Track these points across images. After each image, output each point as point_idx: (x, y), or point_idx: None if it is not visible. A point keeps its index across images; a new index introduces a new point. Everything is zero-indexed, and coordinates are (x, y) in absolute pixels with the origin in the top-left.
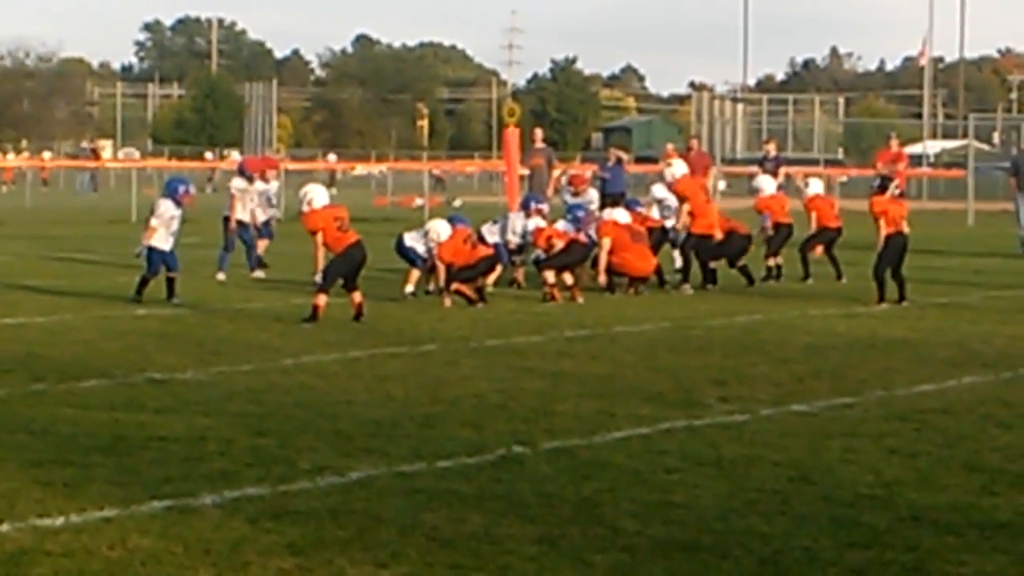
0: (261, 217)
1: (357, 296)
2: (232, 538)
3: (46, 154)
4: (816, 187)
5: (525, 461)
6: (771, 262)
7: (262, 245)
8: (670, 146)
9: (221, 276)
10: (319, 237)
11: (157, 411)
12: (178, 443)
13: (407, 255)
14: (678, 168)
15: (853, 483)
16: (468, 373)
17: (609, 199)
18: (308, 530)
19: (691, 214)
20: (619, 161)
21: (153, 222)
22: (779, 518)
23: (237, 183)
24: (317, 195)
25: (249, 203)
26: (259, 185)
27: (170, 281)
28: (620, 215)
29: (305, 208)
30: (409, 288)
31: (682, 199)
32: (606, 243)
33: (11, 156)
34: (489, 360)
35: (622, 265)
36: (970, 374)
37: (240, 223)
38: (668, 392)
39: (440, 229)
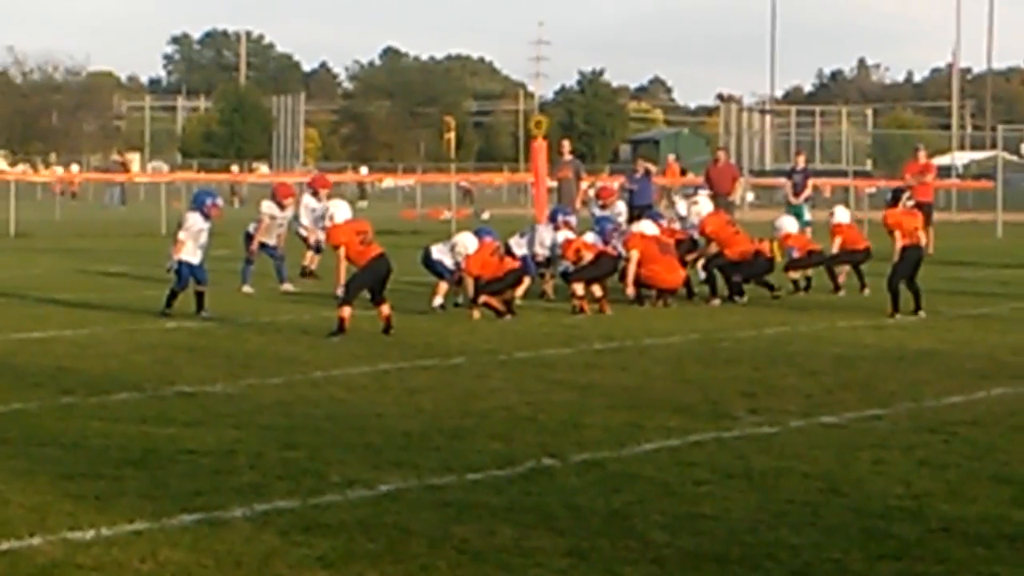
0: (319, 236)
1: (385, 309)
2: (262, 551)
3: (73, 167)
4: (842, 215)
5: (555, 473)
6: (794, 275)
7: (316, 258)
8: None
9: (247, 289)
10: (342, 251)
11: (187, 424)
12: (208, 456)
13: (435, 268)
14: (704, 207)
15: (883, 495)
16: (497, 386)
17: (637, 211)
18: (338, 543)
19: (720, 250)
20: (647, 173)
21: (181, 235)
22: (809, 530)
23: (268, 208)
24: (339, 210)
25: (276, 228)
26: (311, 202)
27: (199, 295)
28: (648, 227)
29: (327, 223)
30: (438, 300)
31: (709, 240)
32: (634, 255)
33: (59, 169)
34: (518, 372)
35: (650, 278)
36: (999, 385)
37: (263, 245)
38: (697, 404)
39: (467, 242)
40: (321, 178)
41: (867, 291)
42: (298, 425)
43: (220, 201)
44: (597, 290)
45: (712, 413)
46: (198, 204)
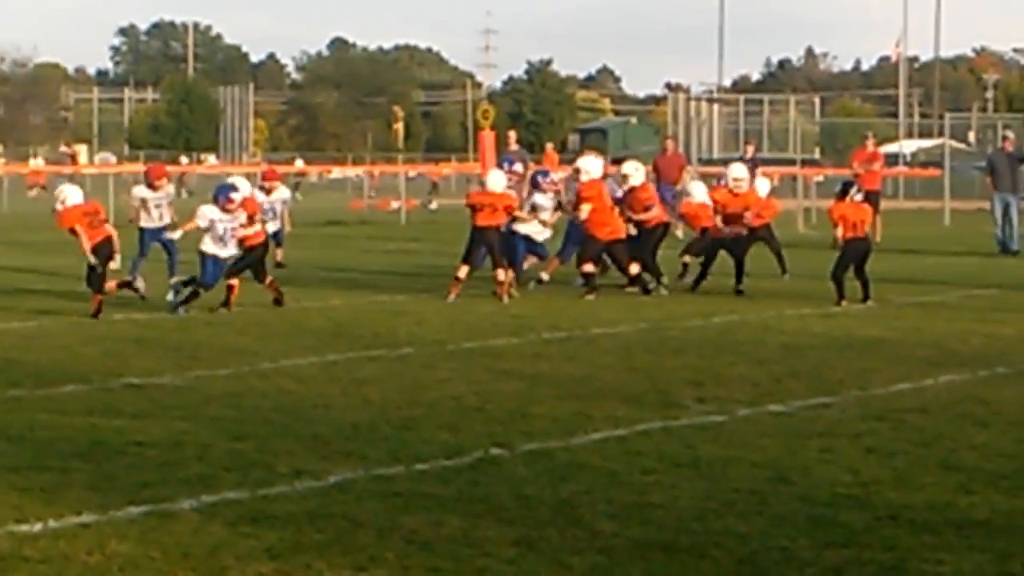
0: (270, 228)
1: (111, 285)
2: (210, 543)
3: (40, 161)
4: (762, 187)
5: (503, 463)
6: (687, 259)
7: (279, 251)
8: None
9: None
10: (80, 233)
11: (135, 416)
12: (156, 448)
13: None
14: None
15: (830, 483)
16: (445, 376)
17: None
18: (286, 534)
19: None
20: None
21: (200, 223)
22: (756, 518)
23: (138, 191)
24: (70, 194)
25: (155, 210)
26: (260, 197)
27: (191, 280)
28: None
29: (59, 207)
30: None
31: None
32: (585, 208)
33: (39, 161)
34: (466, 363)
35: (589, 225)
36: (947, 373)
37: (146, 230)
38: (645, 393)
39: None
40: (271, 171)
41: (787, 276)
42: (246, 416)
43: (235, 195)
44: (501, 274)
45: (660, 402)
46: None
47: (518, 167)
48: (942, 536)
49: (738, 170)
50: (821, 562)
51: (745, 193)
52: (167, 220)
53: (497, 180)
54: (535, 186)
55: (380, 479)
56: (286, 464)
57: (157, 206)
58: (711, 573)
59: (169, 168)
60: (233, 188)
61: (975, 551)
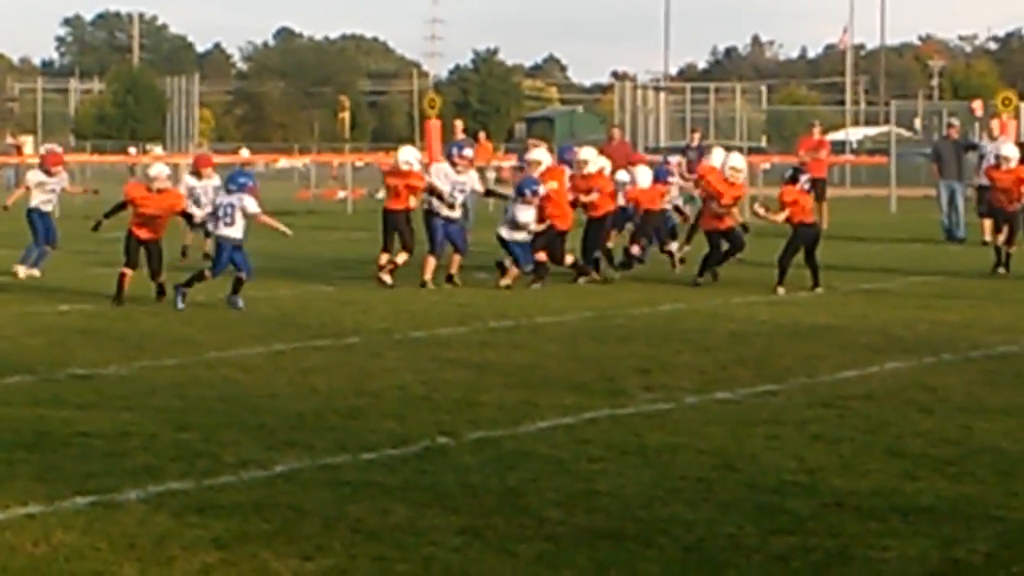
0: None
1: None
2: (156, 533)
3: None
4: (717, 158)
5: (449, 452)
6: (635, 250)
7: (207, 242)
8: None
9: (33, 271)
10: None
11: (80, 407)
12: (102, 438)
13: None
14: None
15: (777, 470)
16: (392, 365)
17: None
18: (232, 524)
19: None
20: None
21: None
22: (703, 505)
23: (33, 175)
24: None
25: (49, 193)
26: (192, 181)
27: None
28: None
29: None
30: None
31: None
32: (553, 185)
33: None
34: (413, 352)
35: (550, 214)
36: (892, 360)
37: (35, 211)
38: (592, 381)
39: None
40: (204, 158)
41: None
42: (192, 406)
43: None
44: (402, 257)
45: (607, 390)
46: (240, 186)
47: (468, 152)
48: (887, 522)
49: (736, 160)
50: (767, 549)
51: (741, 183)
52: (52, 207)
53: (406, 155)
54: (521, 195)
55: (326, 468)
56: (232, 454)
57: (51, 190)
58: (658, 560)
59: (117, 159)
60: (246, 173)
61: (920, 537)
